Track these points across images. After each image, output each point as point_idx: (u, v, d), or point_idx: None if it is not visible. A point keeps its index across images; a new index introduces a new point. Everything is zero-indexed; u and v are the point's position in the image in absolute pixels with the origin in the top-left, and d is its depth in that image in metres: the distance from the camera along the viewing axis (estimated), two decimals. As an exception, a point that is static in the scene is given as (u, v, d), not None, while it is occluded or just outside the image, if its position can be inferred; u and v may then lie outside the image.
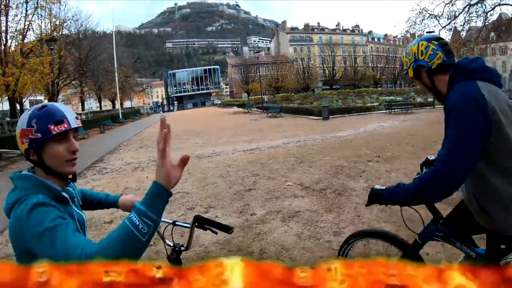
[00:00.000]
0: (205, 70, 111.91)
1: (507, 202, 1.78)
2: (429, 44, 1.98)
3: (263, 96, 51.61)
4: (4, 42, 27.15)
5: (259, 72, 68.60)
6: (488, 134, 1.72)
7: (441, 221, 2.22)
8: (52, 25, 32.40)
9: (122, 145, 17.94)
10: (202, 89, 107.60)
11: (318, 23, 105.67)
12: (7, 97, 28.52)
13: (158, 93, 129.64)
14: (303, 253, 4.05)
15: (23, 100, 32.41)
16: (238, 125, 24.80)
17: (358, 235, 2.87)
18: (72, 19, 36.56)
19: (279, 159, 10.09)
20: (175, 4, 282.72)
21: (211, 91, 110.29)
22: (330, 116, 23.82)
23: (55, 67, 28.84)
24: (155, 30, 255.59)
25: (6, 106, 35.89)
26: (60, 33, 33.47)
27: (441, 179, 1.77)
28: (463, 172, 1.75)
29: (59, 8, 32.92)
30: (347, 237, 2.96)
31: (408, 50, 2.08)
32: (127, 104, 71.45)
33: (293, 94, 70.30)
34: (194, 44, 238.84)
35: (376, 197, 2.14)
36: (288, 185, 7.17)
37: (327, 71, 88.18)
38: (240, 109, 47.98)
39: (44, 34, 30.11)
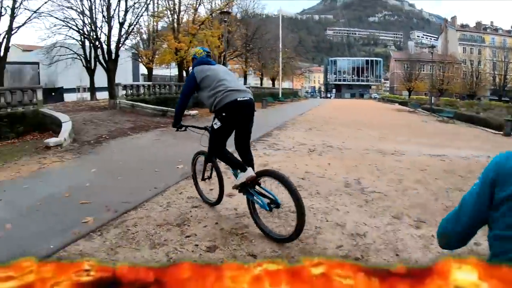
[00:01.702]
0: (366, 61, 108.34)
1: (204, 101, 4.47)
2: (203, 51, 4.68)
3: (430, 98, 47.39)
4: (177, 13, 29.38)
5: (425, 70, 63.31)
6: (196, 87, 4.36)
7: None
8: (222, 1, 34.04)
9: (289, 123, 17.48)
10: (362, 80, 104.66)
11: (492, 22, 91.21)
12: (176, 63, 31.15)
13: (315, 79, 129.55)
14: None
15: (190, 68, 35.26)
16: (410, 124, 22.58)
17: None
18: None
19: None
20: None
21: (370, 83, 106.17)
22: (512, 133, 19.97)
23: (224, 40, 30.30)
24: (316, 17, 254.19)
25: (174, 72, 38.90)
26: (231, 9, 35.08)
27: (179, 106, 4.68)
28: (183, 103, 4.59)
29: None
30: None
31: (195, 50, 4.89)
32: (284, 84, 72.90)
33: (458, 99, 63.41)
34: (355, 33, 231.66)
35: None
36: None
37: (497, 79, 74.92)
38: (403, 107, 44.80)
39: (216, 9, 31.83)
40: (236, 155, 4.51)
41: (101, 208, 4.99)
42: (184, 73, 32.47)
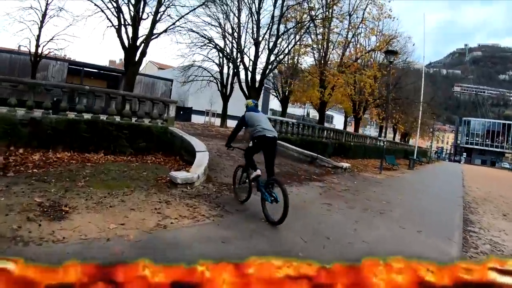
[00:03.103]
0: (503, 124, 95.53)
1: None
2: (252, 103, 7.04)
3: None
4: (325, 49, 26.20)
5: None
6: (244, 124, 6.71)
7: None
8: (369, 41, 30.62)
9: (470, 202, 12.20)
10: (496, 146, 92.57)
11: None
12: (316, 105, 28.11)
13: (442, 138, 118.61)
14: None
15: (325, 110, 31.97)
16: None
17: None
18: (395, 38, 33.42)
19: None
20: (466, 45, 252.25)
21: (505, 151, 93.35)
22: None
23: (369, 86, 27.32)
24: (444, 71, 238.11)
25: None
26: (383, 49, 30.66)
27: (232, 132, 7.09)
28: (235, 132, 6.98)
29: (382, 24, 30.43)
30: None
31: (248, 102, 7.27)
32: (411, 142, 65.95)
33: None
34: (483, 92, 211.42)
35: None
36: None
37: None
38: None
39: (378, 48, 27.98)
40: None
41: None
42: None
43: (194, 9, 18.89)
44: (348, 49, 28.72)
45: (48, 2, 21.54)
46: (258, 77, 21.10)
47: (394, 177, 17.79)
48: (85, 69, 34.47)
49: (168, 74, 39.57)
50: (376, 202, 9.24)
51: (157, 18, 16.94)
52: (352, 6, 26.25)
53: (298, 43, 23.12)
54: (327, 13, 23.99)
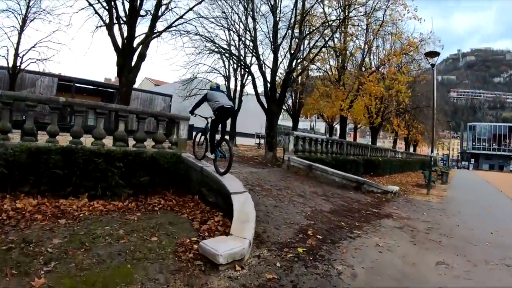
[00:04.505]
0: (509, 127, 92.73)
1: None
2: (215, 84, 8.32)
3: None
4: (343, 55, 22.40)
5: None
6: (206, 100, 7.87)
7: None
8: (392, 46, 26.82)
9: None
10: (504, 150, 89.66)
11: None
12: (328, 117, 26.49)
13: (443, 145, 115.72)
14: None
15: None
16: None
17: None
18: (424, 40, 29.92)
19: None
20: (459, 50, 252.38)
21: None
22: None
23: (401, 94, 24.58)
24: (439, 78, 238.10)
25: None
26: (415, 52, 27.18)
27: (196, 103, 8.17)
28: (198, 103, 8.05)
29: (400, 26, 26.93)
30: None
31: (211, 84, 8.58)
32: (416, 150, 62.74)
33: None
34: (480, 96, 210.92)
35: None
36: None
37: None
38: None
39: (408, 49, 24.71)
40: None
41: None
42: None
43: (196, 5, 15.43)
44: (371, 53, 25.88)
45: (30, 5, 18.72)
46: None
47: (444, 197, 14.63)
48: (77, 85, 31.17)
49: (167, 89, 37.15)
50: (482, 245, 6.67)
51: (159, 13, 13.61)
52: (372, 7, 22.86)
53: (326, 45, 19.41)
54: (344, 13, 20.65)
